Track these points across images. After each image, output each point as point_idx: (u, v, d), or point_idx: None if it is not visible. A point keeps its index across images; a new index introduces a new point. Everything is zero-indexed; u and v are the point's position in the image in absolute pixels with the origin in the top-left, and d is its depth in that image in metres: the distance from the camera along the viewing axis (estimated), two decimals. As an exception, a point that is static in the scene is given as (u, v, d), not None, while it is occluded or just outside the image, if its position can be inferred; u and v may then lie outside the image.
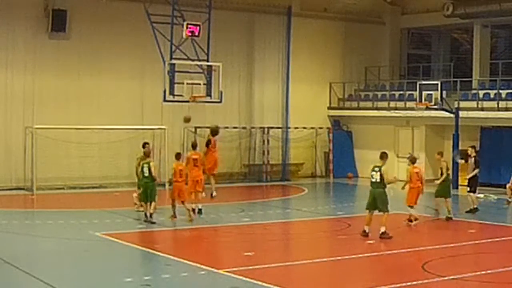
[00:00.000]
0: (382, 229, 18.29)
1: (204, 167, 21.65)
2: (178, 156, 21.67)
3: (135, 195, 21.72)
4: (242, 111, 33.38)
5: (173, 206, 21.13)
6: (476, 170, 22.83)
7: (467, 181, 23.27)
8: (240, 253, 16.65)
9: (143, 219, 20.32)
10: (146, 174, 20.26)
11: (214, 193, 21.98)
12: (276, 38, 33.98)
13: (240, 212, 23.37)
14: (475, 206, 22.78)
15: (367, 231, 18.48)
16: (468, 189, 22.91)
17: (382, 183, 18.40)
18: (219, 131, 22.93)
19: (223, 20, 30.57)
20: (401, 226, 20.15)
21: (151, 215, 20.30)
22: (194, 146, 22.78)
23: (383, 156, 18.73)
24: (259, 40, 33.63)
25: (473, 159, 22.95)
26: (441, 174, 21.71)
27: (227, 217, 22.11)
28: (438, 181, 21.65)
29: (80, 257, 16.45)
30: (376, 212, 18.65)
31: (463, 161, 24.25)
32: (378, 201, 18.49)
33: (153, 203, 20.33)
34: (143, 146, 22.28)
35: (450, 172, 22.31)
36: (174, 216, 21.09)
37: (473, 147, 23.73)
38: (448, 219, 21.43)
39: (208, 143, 22.04)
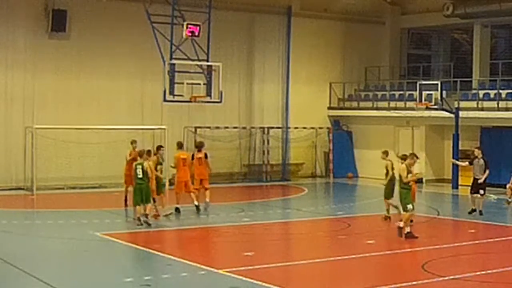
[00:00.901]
0: (401, 224, 18.25)
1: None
2: (148, 153, 21.18)
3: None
4: (242, 111, 33.39)
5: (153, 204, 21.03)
6: (487, 172, 22.52)
7: (472, 182, 22.81)
8: (240, 253, 16.64)
9: (137, 224, 19.99)
10: (140, 176, 19.85)
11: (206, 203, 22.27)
12: (276, 38, 33.99)
13: (240, 212, 23.36)
14: (476, 209, 22.62)
15: (407, 230, 18.34)
16: (482, 192, 22.51)
17: (401, 182, 18.47)
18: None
19: (223, 20, 30.57)
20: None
21: (146, 215, 20.04)
22: (180, 146, 22.77)
23: (408, 156, 18.89)
24: (259, 40, 33.64)
25: (481, 160, 22.60)
26: (386, 174, 21.45)
27: (227, 217, 22.10)
28: (385, 182, 21.40)
29: (80, 257, 16.44)
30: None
31: (466, 163, 23.91)
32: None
33: (148, 205, 20.06)
34: (158, 149, 22.16)
35: (396, 171, 21.97)
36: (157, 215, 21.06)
37: (479, 148, 23.45)
38: (387, 218, 21.26)
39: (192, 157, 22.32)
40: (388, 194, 21.42)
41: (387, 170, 21.42)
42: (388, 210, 21.43)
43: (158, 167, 21.43)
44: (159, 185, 21.24)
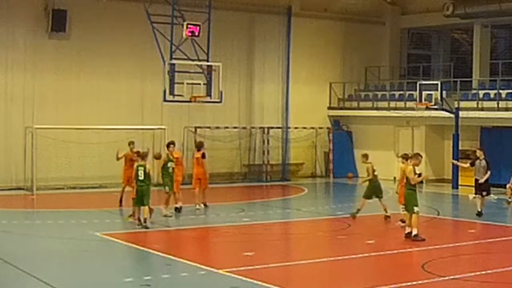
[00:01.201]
0: (414, 231, 18.06)
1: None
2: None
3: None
4: (242, 111, 33.39)
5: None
6: (489, 173, 22.44)
7: (474, 183, 22.75)
8: (240, 253, 16.63)
9: (137, 224, 19.90)
10: (141, 178, 19.60)
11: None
12: (276, 38, 34.00)
13: (240, 212, 23.36)
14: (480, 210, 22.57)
15: (406, 231, 18.38)
16: (485, 193, 22.42)
17: (407, 183, 18.44)
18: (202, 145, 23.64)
19: (223, 20, 30.58)
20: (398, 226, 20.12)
21: (145, 220, 19.72)
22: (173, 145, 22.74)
23: (411, 156, 18.90)
24: (259, 40, 33.65)
25: (483, 161, 22.53)
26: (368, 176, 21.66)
27: (227, 217, 22.09)
28: (364, 183, 21.84)
29: (80, 257, 16.44)
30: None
31: (468, 164, 23.84)
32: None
33: (147, 208, 19.83)
34: (168, 146, 22.11)
35: (377, 173, 21.94)
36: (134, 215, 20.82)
37: (481, 149, 23.34)
38: (386, 218, 21.28)
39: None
40: (378, 193, 21.57)
41: (368, 173, 21.64)
42: (386, 210, 21.44)
43: (169, 163, 21.44)
44: (170, 183, 21.33)
